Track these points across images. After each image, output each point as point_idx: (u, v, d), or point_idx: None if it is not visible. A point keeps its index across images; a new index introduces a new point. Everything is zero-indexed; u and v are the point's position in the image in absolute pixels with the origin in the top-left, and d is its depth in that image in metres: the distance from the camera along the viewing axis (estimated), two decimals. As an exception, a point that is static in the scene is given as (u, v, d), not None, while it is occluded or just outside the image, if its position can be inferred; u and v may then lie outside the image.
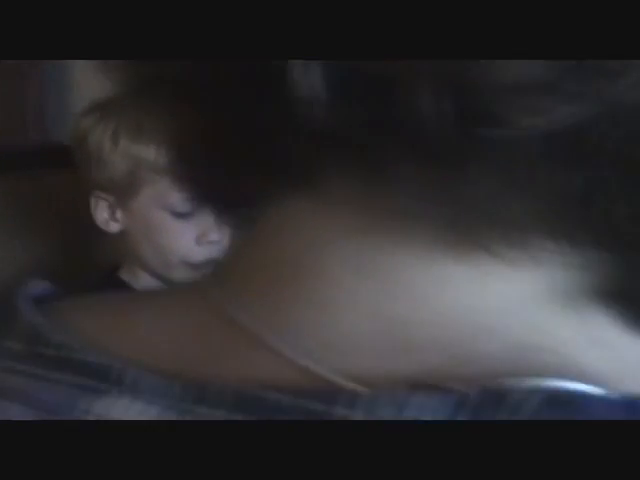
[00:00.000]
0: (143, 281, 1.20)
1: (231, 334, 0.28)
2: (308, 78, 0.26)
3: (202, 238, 1.12)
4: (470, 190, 0.24)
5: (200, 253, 1.12)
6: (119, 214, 1.16)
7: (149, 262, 1.17)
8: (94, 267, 1.27)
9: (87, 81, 1.79)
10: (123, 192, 1.13)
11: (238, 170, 0.29)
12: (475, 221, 0.25)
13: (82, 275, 1.19)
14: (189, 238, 1.12)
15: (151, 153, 1.06)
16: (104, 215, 1.17)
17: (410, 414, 0.27)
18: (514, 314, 0.27)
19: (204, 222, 1.10)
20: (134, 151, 1.09)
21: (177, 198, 1.08)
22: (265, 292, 0.28)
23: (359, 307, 0.27)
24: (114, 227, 1.17)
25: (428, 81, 0.25)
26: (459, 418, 0.27)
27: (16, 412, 0.29)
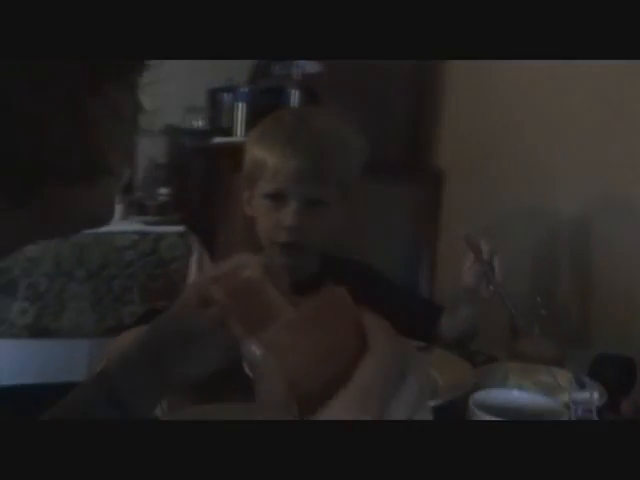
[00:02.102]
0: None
1: None
2: None
3: (280, 222, 1.36)
4: None
5: (281, 236, 1.38)
6: (252, 202, 1.44)
7: (263, 243, 1.43)
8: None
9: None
10: (250, 184, 1.41)
11: None
12: None
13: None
14: (273, 221, 1.38)
15: (264, 156, 1.34)
16: (244, 202, 1.46)
17: None
18: None
19: (286, 210, 1.35)
20: (254, 153, 1.37)
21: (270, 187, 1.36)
22: None
23: None
24: (250, 212, 1.45)
25: None
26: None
27: None
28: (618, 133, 1.86)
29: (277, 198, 1.38)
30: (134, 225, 2.54)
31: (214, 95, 3.68)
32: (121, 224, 2.55)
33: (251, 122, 3.05)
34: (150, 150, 4.08)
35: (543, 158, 2.08)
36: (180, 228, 2.53)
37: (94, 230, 0.59)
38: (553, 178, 2.04)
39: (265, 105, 3.02)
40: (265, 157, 1.37)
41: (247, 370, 0.59)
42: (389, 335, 0.56)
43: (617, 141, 1.85)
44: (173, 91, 4.00)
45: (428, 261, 1.81)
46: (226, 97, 3.45)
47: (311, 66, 2.88)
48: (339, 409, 0.53)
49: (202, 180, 2.80)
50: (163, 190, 2.88)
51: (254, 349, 0.57)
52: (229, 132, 3.21)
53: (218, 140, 2.97)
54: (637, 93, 1.77)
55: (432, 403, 1.10)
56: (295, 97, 2.84)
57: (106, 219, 0.58)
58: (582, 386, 1.06)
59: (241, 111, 3.24)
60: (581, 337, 1.82)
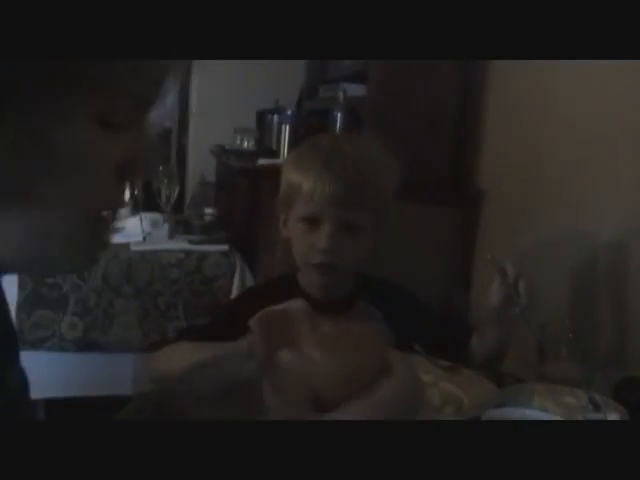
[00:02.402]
0: (302, 278, 1.54)
1: None
2: None
3: (314, 245, 1.43)
4: None
5: (315, 258, 1.44)
6: (288, 224, 1.51)
7: (298, 264, 1.49)
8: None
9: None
10: (286, 207, 1.48)
11: None
12: None
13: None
14: (308, 244, 1.44)
15: (300, 180, 1.40)
16: (280, 224, 1.53)
17: None
18: None
19: (320, 232, 1.41)
20: (290, 177, 1.44)
21: (305, 210, 1.43)
22: None
23: None
24: (285, 233, 1.52)
25: None
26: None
27: None
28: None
29: (312, 221, 1.44)
30: (180, 243, 2.63)
31: (262, 116, 3.78)
32: (168, 242, 2.64)
33: (296, 144, 3.14)
34: (200, 169, 4.21)
35: (582, 179, 2.11)
36: (224, 247, 2.61)
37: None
38: (592, 200, 2.06)
39: (310, 127, 3.10)
40: (301, 181, 1.43)
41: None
42: (411, 368, 0.63)
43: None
44: (224, 112, 4.13)
45: (464, 282, 1.86)
46: (274, 119, 3.55)
47: (355, 89, 2.95)
48: (349, 416, 0.59)
49: (246, 200, 2.88)
50: (209, 210, 2.97)
51: (286, 361, 0.64)
52: (276, 153, 3.30)
53: (262, 161, 3.06)
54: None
55: (455, 419, 1.15)
56: (340, 120, 2.91)
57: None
58: (597, 407, 1.09)
59: (286, 133, 3.33)
60: (618, 360, 1.84)
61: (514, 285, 1.39)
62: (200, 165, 4.30)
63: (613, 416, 1.18)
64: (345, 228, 1.43)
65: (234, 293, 2.48)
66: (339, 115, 2.92)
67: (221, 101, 4.23)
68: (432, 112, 2.60)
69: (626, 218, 1.93)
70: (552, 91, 2.25)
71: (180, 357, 1.36)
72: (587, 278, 2.02)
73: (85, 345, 2.45)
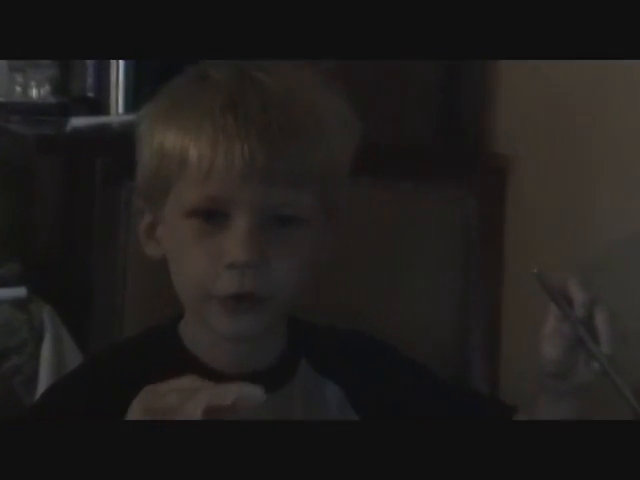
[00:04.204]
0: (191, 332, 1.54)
1: None
2: None
3: (219, 258, 1.39)
4: None
5: (223, 285, 1.40)
6: (159, 230, 1.50)
7: (184, 302, 1.50)
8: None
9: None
10: (153, 199, 1.50)
11: None
12: None
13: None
14: (206, 259, 1.41)
15: (181, 144, 1.40)
16: (141, 233, 1.54)
17: None
18: None
19: (230, 234, 1.39)
20: (159, 141, 1.44)
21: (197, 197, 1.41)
22: None
23: None
24: (152, 250, 1.53)
25: None
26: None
27: None
28: None
29: (212, 216, 1.41)
30: None
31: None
32: None
33: (141, 88, 3.17)
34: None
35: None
36: (20, 291, 2.62)
37: None
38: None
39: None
40: (184, 146, 1.39)
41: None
42: None
43: None
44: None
45: (485, 318, 1.91)
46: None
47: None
48: None
49: (55, 197, 2.90)
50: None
51: None
52: (101, 105, 3.32)
53: (78, 121, 3.07)
54: None
55: None
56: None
57: None
58: None
59: (118, 67, 3.34)
60: None
61: (588, 321, 1.43)
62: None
63: None
64: (275, 224, 1.41)
65: (46, 378, 2.49)
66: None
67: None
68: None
69: None
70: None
71: None
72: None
73: None
